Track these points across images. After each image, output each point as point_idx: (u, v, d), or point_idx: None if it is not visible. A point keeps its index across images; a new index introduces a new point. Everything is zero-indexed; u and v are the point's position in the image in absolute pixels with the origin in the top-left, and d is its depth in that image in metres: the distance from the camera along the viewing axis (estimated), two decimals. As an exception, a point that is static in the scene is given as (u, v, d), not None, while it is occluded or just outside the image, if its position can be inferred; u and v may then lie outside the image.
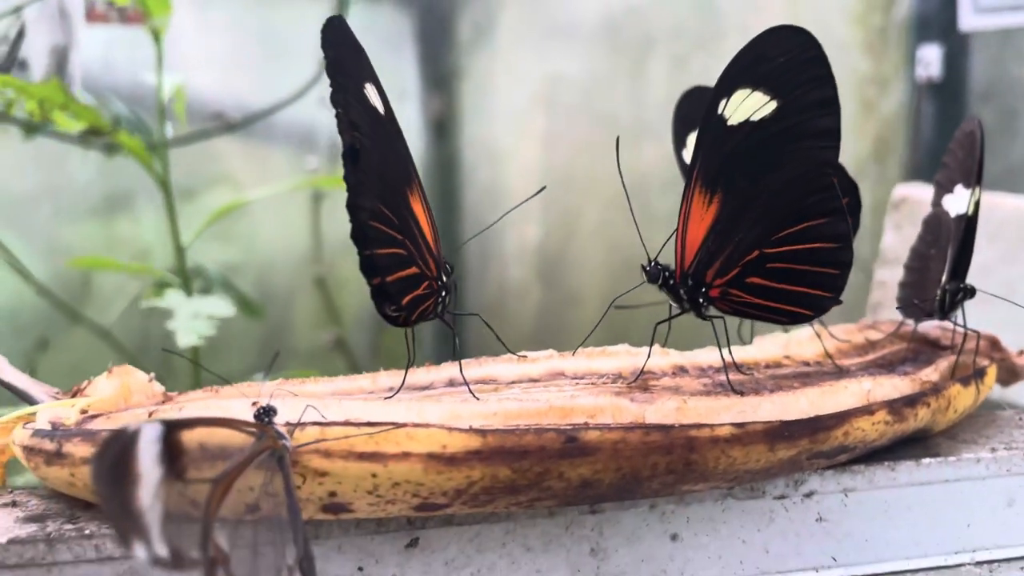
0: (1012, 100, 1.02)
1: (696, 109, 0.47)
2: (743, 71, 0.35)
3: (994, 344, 0.47)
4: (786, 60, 0.34)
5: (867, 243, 0.77)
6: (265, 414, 0.31)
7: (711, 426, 0.34)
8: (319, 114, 1.08)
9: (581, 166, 1.26)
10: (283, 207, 1.09)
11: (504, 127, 1.32)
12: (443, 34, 1.33)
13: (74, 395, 0.41)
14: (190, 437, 0.27)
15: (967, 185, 0.44)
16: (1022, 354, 0.48)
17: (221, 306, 0.69)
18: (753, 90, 0.34)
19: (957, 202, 0.44)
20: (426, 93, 1.34)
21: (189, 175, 1.06)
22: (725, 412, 0.35)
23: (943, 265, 0.44)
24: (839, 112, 0.34)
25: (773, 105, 0.34)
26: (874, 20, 1.07)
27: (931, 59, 1.03)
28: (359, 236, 0.34)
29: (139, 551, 0.23)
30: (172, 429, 0.26)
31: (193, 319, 0.66)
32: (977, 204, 0.44)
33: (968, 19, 0.83)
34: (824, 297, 0.36)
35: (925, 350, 0.46)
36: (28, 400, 0.43)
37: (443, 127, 1.35)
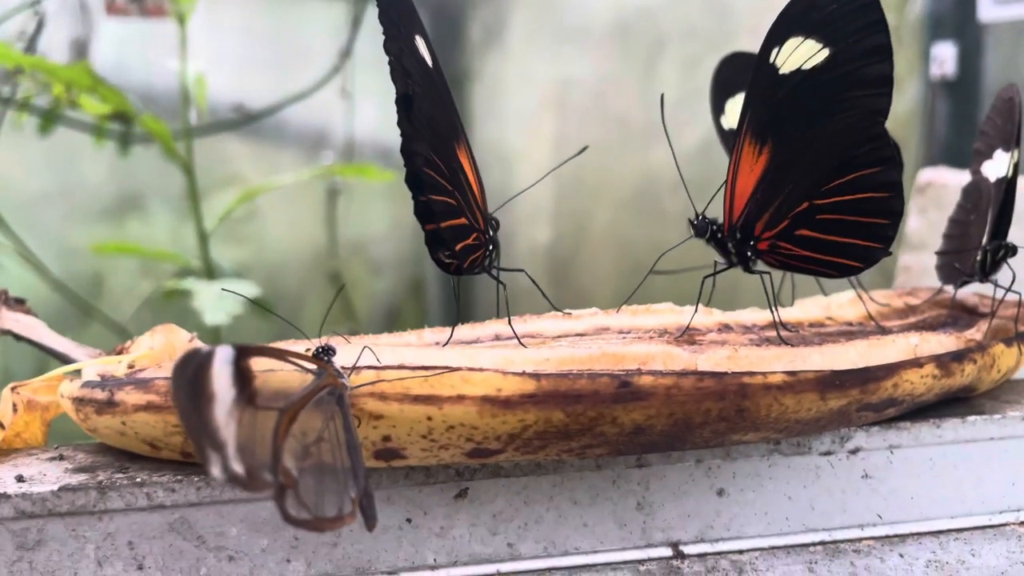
0: (1026, 97, 1.02)
1: (735, 74, 0.47)
2: (795, 19, 0.35)
3: (1033, 311, 0.47)
4: (839, 6, 0.34)
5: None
6: (324, 353, 0.31)
7: (764, 373, 0.34)
8: (333, 113, 1.09)
9: (592, 168, 1.26)
10: (294, 208, 1.09)
11: (514, 129, 1.32)
12: (453, 36, 1.33)
13: (118, 354, 0.41)
14: (257, 367, 0.27)
15: (1007, 150, 0.45)
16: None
17: (244, 287, 0.69)
18: (805, 38, 0.35)
19: (997, 167, 0.45)
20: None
21: (201, 176, 1.06)
22: (776, 361, 0.35)
23: (983, 230, 0.44)
24: (892, 59, 0.34)
25: (825, 53, 0.34)
26: (888, 19, 1.07)
27: (945, 57, 1.03)
28: (414, 182, 0.34)
29: (215, 467, 0.23)
30: (243, 354, 0.26)
31: (220, 299, 0.66)
32: (1016, 166, 0.44)
33: (988, 10, 0.84)
34: (874, 248, 0.36)
35: (963, 316, 0.46)
36: (69, 362, 0.43)
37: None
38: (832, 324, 0.43)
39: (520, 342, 0.37)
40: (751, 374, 0.34)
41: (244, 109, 0.94)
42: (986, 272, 0.44)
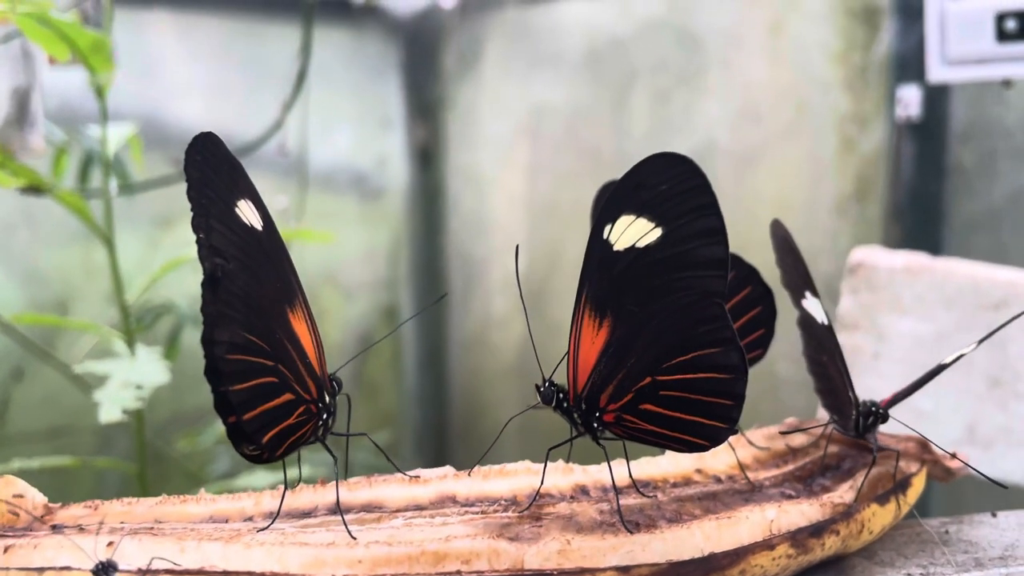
0: (991, 141, 1.00)
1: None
2: (626, 197, 0.33)
3: (924, 447, 0.45)
4: (668, 187, 0.32)
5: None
6: (103, 571, 0.29)
7: (593, 571, 0.32)
8: (308, 142, 1.08)
9: (564, 196, 1.25)
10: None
11: (489, 156, 1.32)
12: (429, 64, 1.32)
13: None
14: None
15: (814, 293, 0.43)
16: (954, 457, 0.45)
17: (156, 374, 0.67)
18: (637, 216, 0.33)
19: (816, 309, 0.43)
20: (411, 122, 1.33)
21: (168, 204, 1.04)
22: (612, 553, 0.33)
23: (840, 373, 0.42)
24: (726, 242, 0.32)
25: (658, 232, 0.32)
26: (854, 58, 1.05)
27: (910, 99, 1.01)
28: (212, 372, 0.32)
29: None
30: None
31: (120, 390, 0.64)
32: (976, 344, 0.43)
33: (936, 71, 0.82)
34: (719, 428, 0.34)
35: (851, 454, 0.44)
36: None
37: (428, 155, 1.34)
38: (700, 480, 0.41)
39: (347, 529, 0.35)
40: (580, 572, 0.32)
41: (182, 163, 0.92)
42: (860, 433, 0.42)
